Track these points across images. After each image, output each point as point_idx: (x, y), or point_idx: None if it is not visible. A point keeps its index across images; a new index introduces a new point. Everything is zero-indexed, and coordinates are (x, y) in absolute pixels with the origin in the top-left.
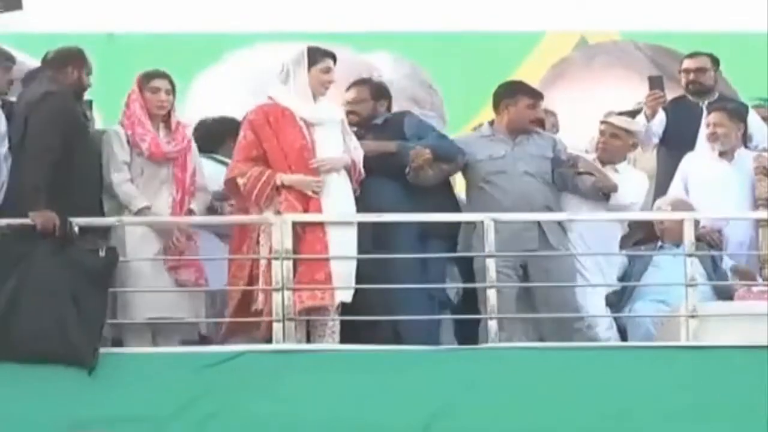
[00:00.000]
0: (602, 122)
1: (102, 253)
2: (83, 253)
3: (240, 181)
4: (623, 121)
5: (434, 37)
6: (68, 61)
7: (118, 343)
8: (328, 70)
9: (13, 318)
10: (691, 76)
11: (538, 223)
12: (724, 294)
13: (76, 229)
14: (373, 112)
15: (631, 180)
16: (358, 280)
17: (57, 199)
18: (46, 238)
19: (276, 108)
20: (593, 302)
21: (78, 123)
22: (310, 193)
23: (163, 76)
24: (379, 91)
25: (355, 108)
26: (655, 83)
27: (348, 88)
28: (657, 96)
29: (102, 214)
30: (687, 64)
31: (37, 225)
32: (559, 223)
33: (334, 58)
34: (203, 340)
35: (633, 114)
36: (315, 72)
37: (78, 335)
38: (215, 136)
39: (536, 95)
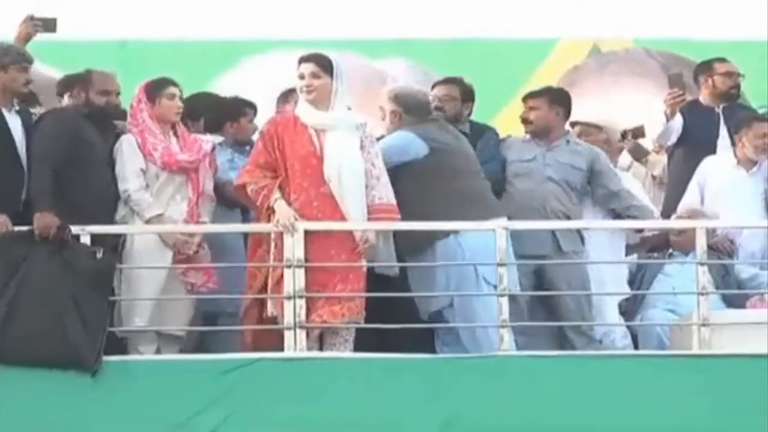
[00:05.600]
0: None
1: (99, 255)
2: (80, 255)
3: (249, 188)
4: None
5: (448, 44)
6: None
7: (125, 349)
8: (302, 76)
9: (13, 321)
10: (736, 79)
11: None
12: (734, 302)
13: (88, 238)
14: (460, 113)
15: (635, 187)
16: None
17: (64, 209)
18: (43, 241)
19: (289, 118)
20: (611, 311)
21: (78, 138)
22: (279, 227)
23: (174, 83)
24: (468, 94)
25: (442, 105)
26: (675, 81)
27: (437, 84)
28: (677, 94)
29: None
30: (728, 67)
31: (35, 227)
32: (578, 232)
33: (316, 62)
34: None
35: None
36: (297, 79)
37: (79, 338)
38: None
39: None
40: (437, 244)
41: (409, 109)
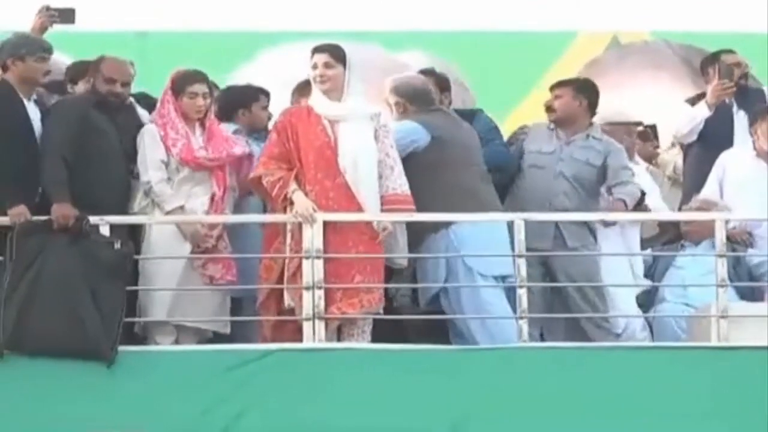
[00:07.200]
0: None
1: (117, 246)
2: (98, 246)
3: (264, 179)
4: (618, 115)
5: (466, 36)
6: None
7: (143, 341)
8: (315, 66)
9: (29, 311)
10: (744, 69)
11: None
12: (747, 291)
13: (108, 229)
14: (439, 103)
15: (646, 177)
16: None
17: (75, 198)
18: (60, 232)
19: (302, 109)
20: (628, 303)
21: (88, 126)
22: (298, 217)
23: (201, 79)
24: (444, 83)
25: None
26: (726, 72)
27: None
28: (727, 85)
29: (126, 213)
30: (738, 58)
31: (53, 218)
32: (588, 228)
33: (329, 52)
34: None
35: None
36: (311, 69)
37: (96, 329)
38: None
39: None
40: (429, 237)
41: (412, 100)
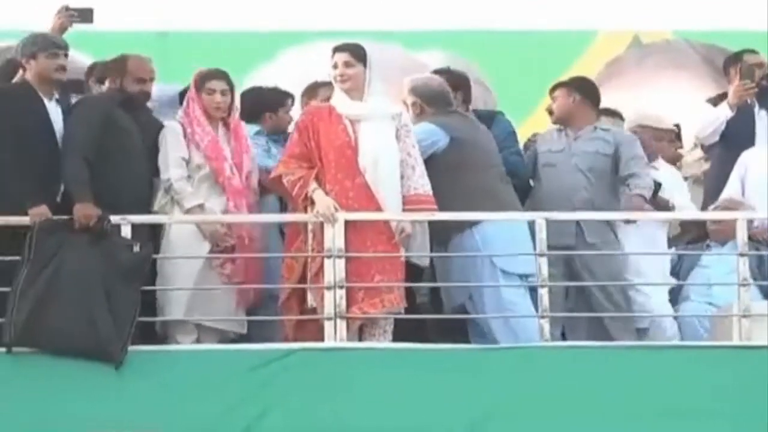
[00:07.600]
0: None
1: (136, 249)
2: (117, 247)
3: (285, 179)
4: (654, 120)
5: (487, 35)
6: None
7: (164, 339)
8: (335, 66)
9: (45, 308)
10: (766, 69)
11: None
12: None
13: (129, 228)
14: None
15: (674, 177)
16: None
17: (97, 198)
18: (81, 232)
19: (324, 109)
20: (658, 301)
21: (112, 125)
22: (319, 217)
23: (220, 76)
24: (457, 82)
25: None
26: (747, 73)
27: None
28: (749, 86)
29: (148, 212)
30: (761, 58)
31: (75, 217)
32: (608, 222)
33: (350, 51)
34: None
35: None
36: (331, 69)
37: (108, 331)
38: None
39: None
40: (455, 237)
41: (429, 101)
